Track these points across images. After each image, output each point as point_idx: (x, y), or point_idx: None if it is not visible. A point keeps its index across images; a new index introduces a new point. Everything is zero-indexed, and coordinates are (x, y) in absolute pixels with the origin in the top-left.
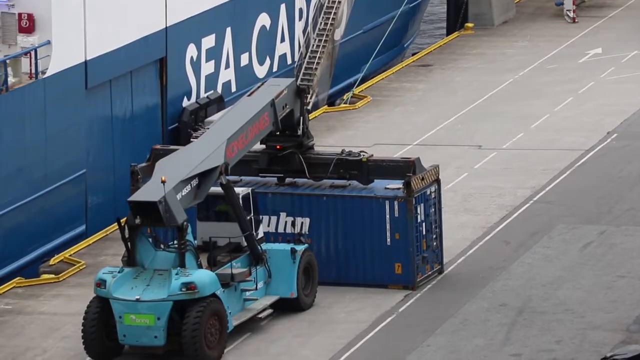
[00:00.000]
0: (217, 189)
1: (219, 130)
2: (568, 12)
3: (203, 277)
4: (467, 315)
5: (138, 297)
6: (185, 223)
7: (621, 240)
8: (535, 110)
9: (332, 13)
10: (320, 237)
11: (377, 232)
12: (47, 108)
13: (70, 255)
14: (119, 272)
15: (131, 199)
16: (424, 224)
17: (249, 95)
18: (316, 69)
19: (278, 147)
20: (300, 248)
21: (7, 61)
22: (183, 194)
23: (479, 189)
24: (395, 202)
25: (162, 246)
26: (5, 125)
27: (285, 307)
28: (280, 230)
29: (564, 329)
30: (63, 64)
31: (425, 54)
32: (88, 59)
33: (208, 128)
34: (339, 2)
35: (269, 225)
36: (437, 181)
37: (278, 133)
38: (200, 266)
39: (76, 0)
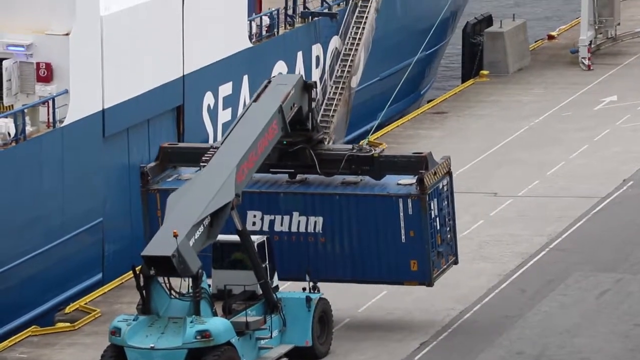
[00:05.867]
0: (232, 237)
1: (228, 153)
2: (583, 60)
3: (218, 325)
4: None
5: (153, 345)
6: (200, 271)
7: (638, 288)
8: (550, 158)
9: (349, 60)
10: (334, 235)
11: (391, 230)
12: (65, 157)
13: (85, 304)
14: (133, 320)
15: (144, 253)
16: (437, 218)
17: (255, 100)
18: (333, 116)
19: (287, 142)
20: (316, 296)
21: (25, 110)
22: (196, 237)
23: (495, 237)
24: (409, 200)
25: (176, 294)
26: (23, 173)
27: (300, 356)
28: (294, 229)
29: None
30: (80, 113)
31: (440, 101)
32: (105, 107)
33: (217, 148)
34: (356, 50)
35: (282, 225)
36: (449, 173)
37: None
38: (215, 314)
39: (94, 49)
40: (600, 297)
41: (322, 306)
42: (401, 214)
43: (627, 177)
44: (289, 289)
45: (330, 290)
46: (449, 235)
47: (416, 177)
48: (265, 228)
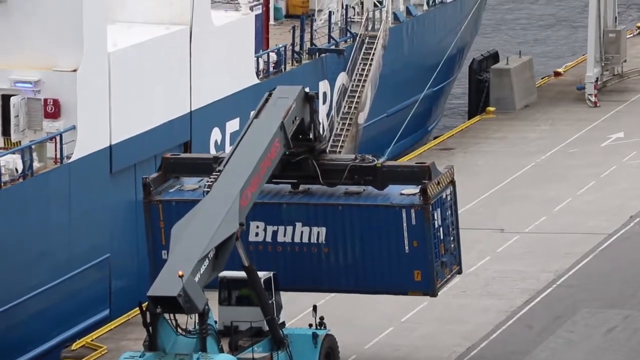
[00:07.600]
0: (238, 273)
1: (230, 179)
2: (590, 96)
3: None
4: None
5: None
6: (206, 307)
7: None
8: (557, 194)
9: (356, 97)
10: (337, 245)
11: (394, 240)
12: (72, 193)
13: (92, 340)
14: (140, 356)
15: (150, 293)
16: (441, 228)
17: (256, 116)
18: (340, 152)
19: (290, 152)
20: (322, 333)
21: (33, 146)
22: (201, 272)
23: (502, 273)
24: (412, 211)
25: (182, 331)
26: (30, 209)
27: None
28: (297, 240)
29: None
30: (88, 149)
31: (447, 138)
32: (113, 143)
33: (220, 170)
34: (363, 86)
35: (284, 236)
36: (452, 182)
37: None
38: (221, 350)
39: (101, 85)
40: (607, 334)
41: (329, 342)
42: (404, 224)
43: (634, 213)
44: (295, 325)
45: (336, 326)
46: (452, 245)
47: (419, 187)
48: (268, 239)
